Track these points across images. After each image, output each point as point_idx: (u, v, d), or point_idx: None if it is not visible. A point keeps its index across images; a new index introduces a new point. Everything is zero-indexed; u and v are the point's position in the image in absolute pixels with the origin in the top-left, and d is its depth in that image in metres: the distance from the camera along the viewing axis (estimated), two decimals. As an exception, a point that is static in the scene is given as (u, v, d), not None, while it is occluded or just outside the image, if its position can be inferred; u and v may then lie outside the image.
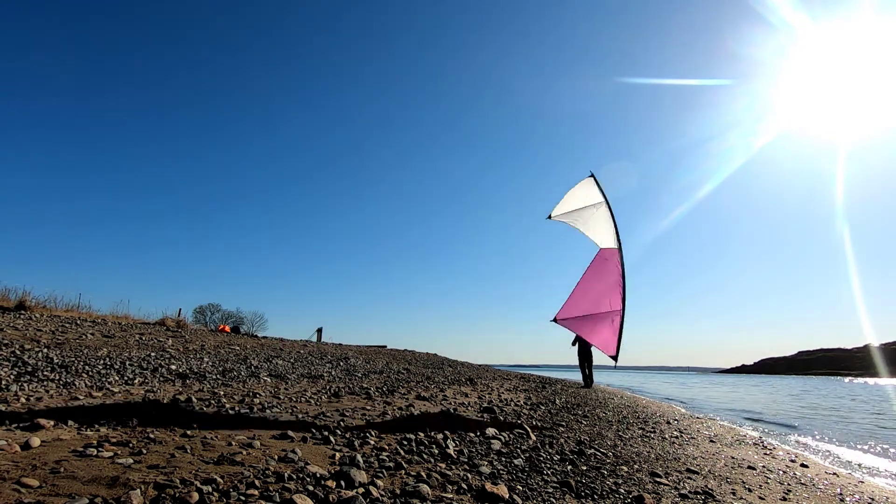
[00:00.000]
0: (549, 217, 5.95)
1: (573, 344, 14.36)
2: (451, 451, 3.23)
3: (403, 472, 2.62)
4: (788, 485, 3.73)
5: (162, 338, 9.43)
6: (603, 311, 5.55)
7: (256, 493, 2.02)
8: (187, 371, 6.34)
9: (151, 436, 2.79)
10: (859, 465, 5.26)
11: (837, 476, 4.36)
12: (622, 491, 2.89)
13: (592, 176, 5.67)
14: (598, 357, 14.40)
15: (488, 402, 6.32)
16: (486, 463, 3.06)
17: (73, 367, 5.48)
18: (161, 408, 3.79)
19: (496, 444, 3.64)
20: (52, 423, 2.93)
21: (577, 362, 14.51)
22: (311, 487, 2.17)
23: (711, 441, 5.55)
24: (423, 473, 2.60)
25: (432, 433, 3.68)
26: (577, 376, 15.80)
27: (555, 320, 5.96)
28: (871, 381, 53.30)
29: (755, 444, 5.71)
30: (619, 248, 5.43)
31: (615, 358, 5.48)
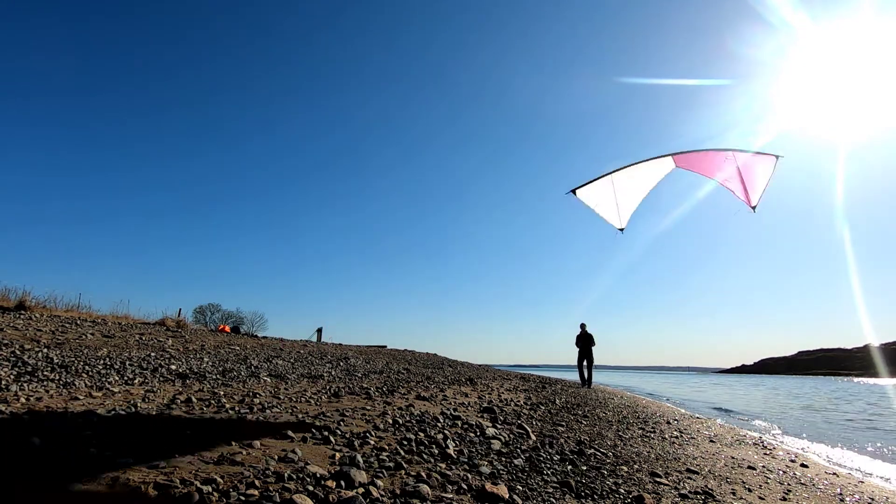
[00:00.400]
0: (622, 230, 6.22)
1: (577, 344, 14.43)
2: (451, 451, 3.23)
3: (403, 472, 2.62)
4: (788, 485, 3.73)
5: (162, 338, 9.43)
6: (734, 164, 5.95)
7: (256, 493, 2.02)
8: (187, 371, 6.34)
9: (151, 436, 2.79)
10: (859, 464, 5.26)
11: (837, 476, 4.36)
12: (622, 491, 2.89)
13: (574, 191, 5.71)
14: (599, 358, 14.50)
15: (488, 402, 6.32)
16: (486, 463, 3.06)
17: (73, 367, 5.47)
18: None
19: (496, 444, 3.64)
20: (52, 423, 2.92)
21: (576, 362, 14.53)
22: (311, 487, 2.17)
23: (711, 441, 5.55)
24: (423, 473, 2.60)
25: (432, 433, 3.68)
26: (577, 376, 15.81)
27: (753, 208, 6.31)
28: (871, 381, 53.30)
29: (755, 444, 5.71)
30: (669, 155, 5.60)
31: (775, 156, 5.98)
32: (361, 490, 2.23)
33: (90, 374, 5.32)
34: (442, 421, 4.34)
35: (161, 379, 5.63)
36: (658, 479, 3.30)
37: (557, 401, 8.04)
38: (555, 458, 3.51)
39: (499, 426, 4.54)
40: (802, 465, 4.63)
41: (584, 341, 14.27)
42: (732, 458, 4.59)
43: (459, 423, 4.34)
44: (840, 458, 5.63)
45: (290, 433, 3.16)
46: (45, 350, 6.33)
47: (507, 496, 2.44)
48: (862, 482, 4.24)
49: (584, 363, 14.13)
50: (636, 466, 3.64)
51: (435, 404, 5.53)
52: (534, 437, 4.26)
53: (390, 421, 4.01)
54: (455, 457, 3.12)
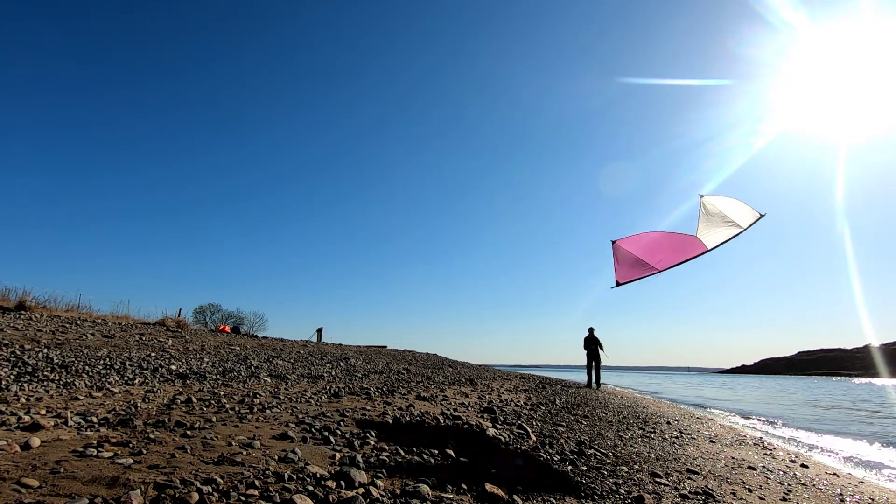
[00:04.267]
0: (702, 196, 6.07)
1: (585, 347, 14.50)
2: (451, 451, 3.22)
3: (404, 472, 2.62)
4: (788, 485, 3.73)
5: (162, 338, 9.43)
6: (644, 261, 5.89)
7: (256, 493, 2.02)
8: (187, 371, 6.34)
9: (151, 436, 2.79)
10: (860, 464, 5.26)
11: (837, 476, 4.36)
12: (622, 491, 2.89)
13: (762, 216, 5.72)
14: (604, 359, 14.49)
15: (488, 403, 6.32)
16: (486, 463, 3.06)
17: (73, 368, 5.47)
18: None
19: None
20: (52, 422, 2.93)
21: (577, 363, 14.58)
22: (311, 487, 2.17)
23: (711, 441, 5.55)
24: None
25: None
26: (577, 376, 15.82)
27: (614, 242, 6.26)
28: (871, 381, 53.31)
29: (755, 444, 5.71)
30: (703, 253, 5.63)
31: (617, 284, 5.92)
32: (361, 490, 2.23)
33: (90, 374, 5.32)
34: (442, 421, 4.34)
35: (161, 379, 5.63)
36: (658, 480, 3.30)
37: (557, 401, 8.04)
38: (555, 459, 3.51)
39: (499, 426, 4.54)
40: (803, 466, 4.62)
41: (592, 345, 14.37)
42: (732, 458, 4.58)
43: (460, 423, 4.34)
44: (840, 457, 5.63)
45: (289, 433, 3.16)
46: (46, 350, 6.33)
47: (506, 496, 2.44)
48: (862, 482, 4.24)
49: (592, 365, 14.26)
50: (636, 466, 3.64)
51: (435, 404, 5.53)
52: (534, 438, 4.26)
53: (391, 421, 4.01)
54: (455, 457, 3.12)
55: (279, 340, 15.02)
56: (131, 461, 2.27)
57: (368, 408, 4.68)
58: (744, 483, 3.59)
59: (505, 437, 3.99)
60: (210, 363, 7.36)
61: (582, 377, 15.00)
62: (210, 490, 1.97)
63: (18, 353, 5.88)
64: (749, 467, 4.20)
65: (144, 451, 2.45)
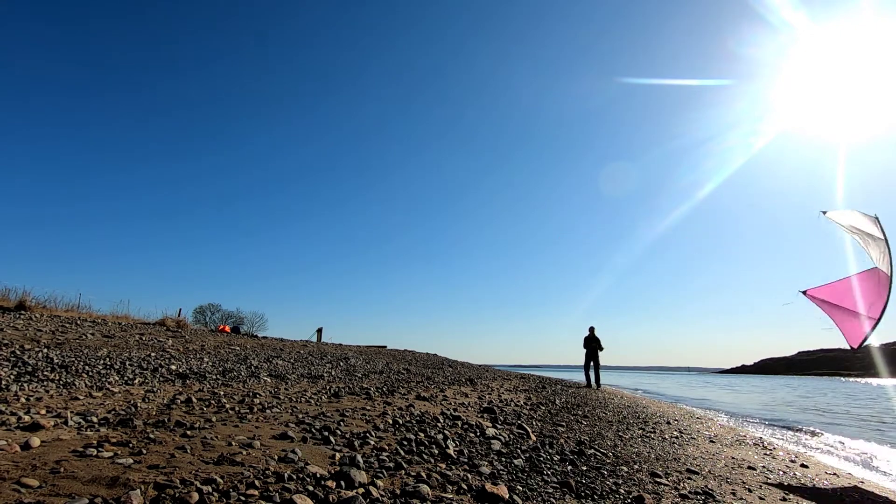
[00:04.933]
0: (825, 213, 5.87)
1: (584, 346, 14.47)
2: (451, 451, 3.23)
3: (403, 472, 2.62)
4: (789, 485, 3.73)
5: (162, 338, 9.43)
6: (858, 312, 5.70)
7: (256, 493, 2.02)
8: (187, 371, 6.34)
9: (151, 436, 2.79)
10: (859, 464, 5.27)
11: (837, 476, 4.36)
12: (622, 491, 2.89)
13: (877, 217, 5.53)
14: (604, 359, 14.52)
15: (488, 403, 6.32)
16: (486, 463, 3.06)
17: (73, 367, 5.47)
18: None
19: (496, 445, 3.64)
20: (52, 422, 2.93)
21: (577, 363, 14.54)
22: (311, 487, 2.17)
23: (711, 441, 5.55)
24: (423, 474, 2.60)
25: (432, 433, 3.68)
26: (577, 376, 15.79)
27: (805, 292, 6.09)
28: (871, 381, 53.36)
29: (755, 444, 5.71)
30: (891, 280, 5.44)
31: (854, 349, 5.88)
32: (361, 490, 2.23)
33: (90, 374, 5.32)
34: (442, 421, 4.34)
35: (161, 379, 5.63)
36: (658, 480, 3.30)
37: (557, 401, 8.04)
38: (555, 459, 3.51)
39: (499, 426, 4.54)
40: (803, 466, 4.62)
41: (592, 344, 14.33)
42: (732, 458, 4.59)
43: (459, 423, 4.34)
44: (841, 457, 5.63)
45: (289, 433, 3.16)
46: (45, 350, 6.33)
47: (507, 496, 2.44)
48: (862, 482, 4.24)
49: (591, 365, 14.21)
50: (636, 466, 3.64)
51: (435, 404, 5.53)
52: (534, 438, 4.26)
53: (390, 421, 4.01)
54: (455, 457, 3.12)
55: (279, 340, 15.02)
56: (131, 461, 2.27)
57: (368, 408, 4.68)
58: (744, 483, 3.59)
59: (505, 437, 3.99)
60: (210, 363, 7.36)
61: (582, 377, 14.99)
62: (210, 490, 1.97)
63: (18, 352, 5.88)
64: (749, 467, 4.20)
65: (144, 451, 2.45)
